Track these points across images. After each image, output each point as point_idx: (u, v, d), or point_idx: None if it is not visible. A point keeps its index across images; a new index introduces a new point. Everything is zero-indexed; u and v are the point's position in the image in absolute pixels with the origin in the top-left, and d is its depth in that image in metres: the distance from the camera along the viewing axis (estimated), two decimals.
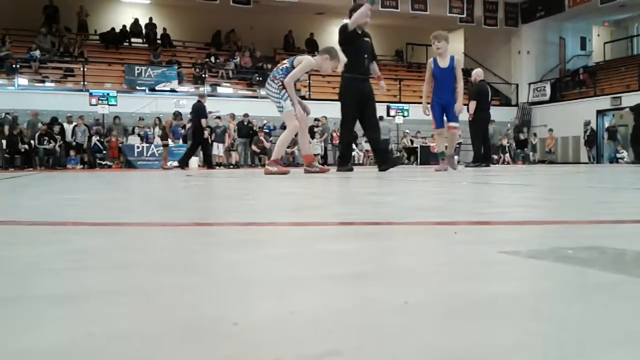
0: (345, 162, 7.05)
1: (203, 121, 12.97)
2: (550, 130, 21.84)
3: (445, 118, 7.24)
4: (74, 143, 16.13)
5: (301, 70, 5.77)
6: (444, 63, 7.04)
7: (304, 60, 5.82)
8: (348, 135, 7.23)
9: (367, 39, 7.05)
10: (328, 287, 0.68)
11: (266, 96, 19.51)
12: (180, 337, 0.48)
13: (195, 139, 13.07)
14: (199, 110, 12.96)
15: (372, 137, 7.29)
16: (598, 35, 26.35)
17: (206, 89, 19.52)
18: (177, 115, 15.02)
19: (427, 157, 17.92)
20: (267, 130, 17.79)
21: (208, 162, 13.46)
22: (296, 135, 6.10)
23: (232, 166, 16.59)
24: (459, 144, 19.03)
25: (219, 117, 17.30)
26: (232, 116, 16.99)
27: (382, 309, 0.57)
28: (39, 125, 15.74)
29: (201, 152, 14.23)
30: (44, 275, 0.77)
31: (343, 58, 6.26)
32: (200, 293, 0.66)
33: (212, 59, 21.31)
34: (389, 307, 0.58)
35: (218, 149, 17.24)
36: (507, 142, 20.46)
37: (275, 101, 5.87)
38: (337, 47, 6.40)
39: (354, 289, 0.66)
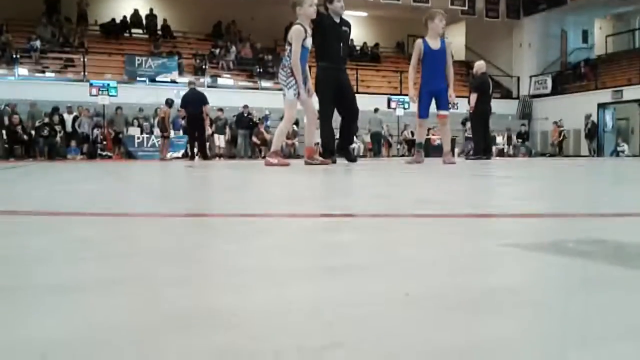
0: (329, 154, 6.93)
1: (207, 108, 12.66)
2: (555, 122, 21.80)
3: (435, 106, 6.70)
4: (81, 135, 16.11)
5: (297, 42, 5.66)
6: (435, 44, 6.52)
7: (292, 32, 5.72)
8: (328, 128, 7.01)
9: (345, 28, 6.80)
10: (328, 278, 0.68)
11: (267, 87, 19.25)
12: (179, 327, 0.48)
13: (200, 127, 12.71)
14: (203, 98, 12.57)
15: (347, 126, 7.13)
16: (600, 28, 26.24)
17: (207, 80, 19.49)
18: (171, 102, 14.54)
19: (428, 149, 17.90)
20: (266, 123, 17.76)
21: (204, 153, 12.95)
22: (297, 125, 6.01)
23: (219, 157, 16.56)
24: (467, 138, 18.96)
25: (220, 110, 17.28)
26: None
27: (382, 301, 0.57)
28: (43, 114, 15.73)
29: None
30: (43, 265, 0.77)
31: None
32: (200, 284, 0.66)
33: (218, 50, 21.25)
34: (389, 299, 0.57)
35: (219, 141, 17.24)
36: (501, 135, 20.38)
37: (283, 88, 5.82)
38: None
39: (354, 281, 0.66)
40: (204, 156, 12.78)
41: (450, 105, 6.78)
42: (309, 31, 5.87)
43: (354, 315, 0.52)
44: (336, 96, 6.75)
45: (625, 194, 2.20)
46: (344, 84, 6.86)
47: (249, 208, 1.62)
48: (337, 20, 6.75)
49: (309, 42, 5.82)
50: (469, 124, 18.03)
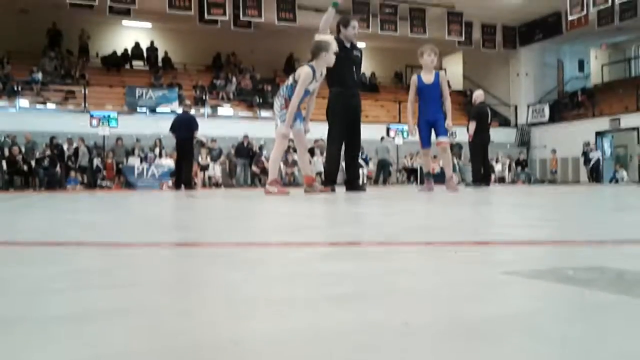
0: (331, 182, 6.88)
1: (196, 133, 11.79)
2: (554, 151, 21.89)
3: (433, 135, 6.97)
4: (77, 165, 16.15)
5: (302, 86, 5.67)
6: (428, 79, 6.83)
7: (301, 75, 5.70)
8: (334, 154, 6.94)
9: (356, 53, 6.82)
10: (328, 307, 0.68)
11: (267, 117, 19.15)
12: (182, 357, 0.48)
13: (189, 154, 11.78)
14: (193, 122, 11.64)
15: (350, 158, 7.11)
16: (596, 57, 26.56)
17: (207, 110, 19.64)
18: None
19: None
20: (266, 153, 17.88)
21: (189, 182, 11.84)
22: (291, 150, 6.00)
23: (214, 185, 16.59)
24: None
25: (214, 140, 17.38)
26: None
27: (382, 330, 0.57)
28: (44, 146, 15.79)
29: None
30: (45, 295, 0.77)
31: (330, 38, 5.92)
32: (201, 313, 0.66)
33: (220, 82, 21.45)
34: (388, 328, 0.58)
35: (214, 170, 17.30)
36: (500, 163, 20.47)
37: (275, 118, 5.87)
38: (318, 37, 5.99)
39: (353, 309, 0.66)
40: (189, 185, 11.76)
41: (449, 134, 6.96)
42: (318, 76, 5.86)
43: (354, 344, 0.52)
44: (347, 121, 6.74)
45: (625, 221, 2.20)
46: (355, 110, 6.85)
47: (250, 237, 1.62)
48: (348, 45, 6.77)
49: (312, 87, 5.84)
50: (462, 152, 18.12)
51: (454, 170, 18.02)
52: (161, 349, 0.51)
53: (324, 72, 5.95)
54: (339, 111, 6.72)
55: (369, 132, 18.36)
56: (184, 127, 11.50)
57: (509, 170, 20.87)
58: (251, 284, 0.84)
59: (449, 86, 7.40)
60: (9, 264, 1.14)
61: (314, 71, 5.73)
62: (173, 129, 11.67)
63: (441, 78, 6.89)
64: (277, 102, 5.80)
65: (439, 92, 6.88)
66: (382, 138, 18.80)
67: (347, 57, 6.69)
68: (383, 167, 18.67)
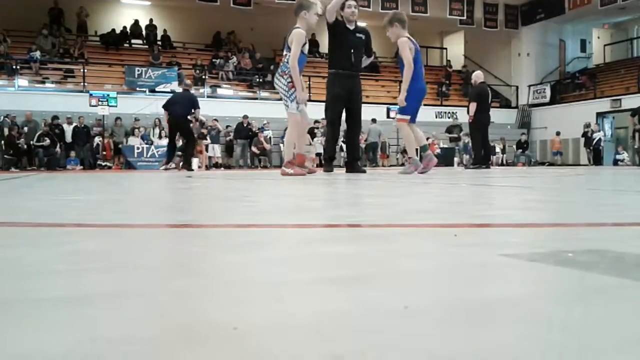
0: (330, 163, 6.92)
1: (198, 112, 11.51)
2: (558, 133, 21.77)
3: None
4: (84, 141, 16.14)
5: (297, 46, 5.57)
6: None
7: (293, 35, 5.61)
8: (331, 134, 7.00)
9: (359, 35, 6.76)
10: (328, 290, 0.68)
11: (266, 98, 19.01)
12: (180, 341, 0.48)
13: (186, 132, 11.37)
14: (195, 101, 11.20)
15: (351, 139, 7.09)
16: (598, 37, 26.36)
17: (206, 90, 19.54)
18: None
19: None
20: (265, 132, 17.83)
21: (188, 163, 11.45)
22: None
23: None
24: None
25: (216, 120, 17.34)
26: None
27: (382, 313, 0.57)
28: (43, 124, 15.74)
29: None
30: (45, 277, 0.77)
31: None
32: (200, 296, 0.66)
33: (219, 62, 21.28)
34: (389, 311, 0.58)
35: (214, 150, 17.28)
36: (499, 144, 20.44)
37: (283, 98, 5.79)
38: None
39: (353, 292, 0.66)
40: (188, 166, 11.36)
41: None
42: (307, 37, 5.85)
43: (354, 328, 0.52)
44: (344, 102, 6.73)
45: (625, 203, 2.20)
46: (352, 91, 6.81)
47: (249, 219, 1.62)
48: (351, 27, 6.70)
49: (307, 48, 5.77)
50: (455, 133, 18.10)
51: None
52: (159, 332, 0.51)
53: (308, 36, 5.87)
54: (334, 93, 6.71)
55: (370, 113, 18.30)
56: (180, 105, 11.04)
57: (503, 152, 20.77)
58: (250, 267, 0.84)
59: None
60: (7, 245, 1.14)
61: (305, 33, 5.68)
62: (166, 106, 11.27)
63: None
64: (282, 81, 5.71)
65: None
66: (374, 120, 18.71)
67: (347, 38, 6.63)
68: (372, 150, 18.78)
